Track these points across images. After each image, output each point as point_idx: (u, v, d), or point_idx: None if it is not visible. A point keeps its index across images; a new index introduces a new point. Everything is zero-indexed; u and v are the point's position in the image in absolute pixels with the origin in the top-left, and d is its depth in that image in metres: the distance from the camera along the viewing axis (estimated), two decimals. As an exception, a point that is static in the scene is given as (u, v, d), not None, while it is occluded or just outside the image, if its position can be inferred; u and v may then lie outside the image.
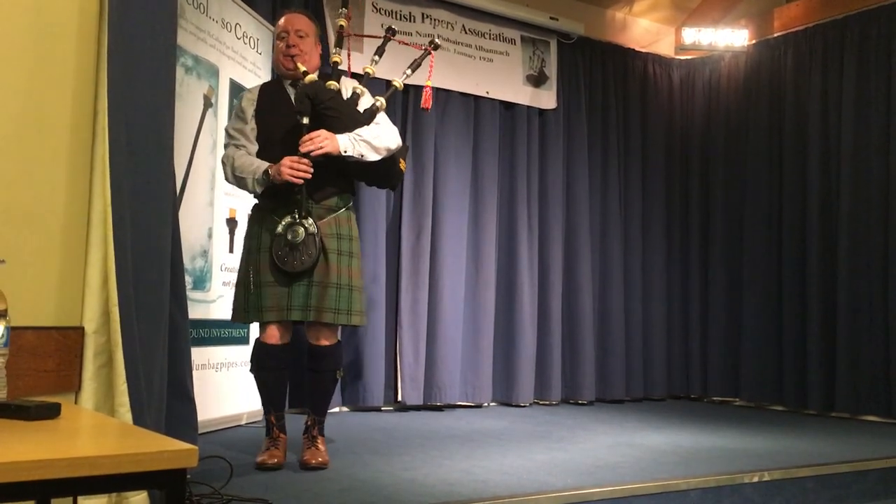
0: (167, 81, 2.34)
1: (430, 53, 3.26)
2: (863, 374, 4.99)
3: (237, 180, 3.06)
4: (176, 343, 2.39)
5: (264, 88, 3.22)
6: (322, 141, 2.94)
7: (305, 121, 2.96)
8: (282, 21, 3.19)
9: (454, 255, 5.06)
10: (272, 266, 2.95)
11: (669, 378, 5.93)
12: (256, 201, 3.14)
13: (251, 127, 3.10)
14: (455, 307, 5.03)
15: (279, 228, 2.94)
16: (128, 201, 2.09)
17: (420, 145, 4.99)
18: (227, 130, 3.19)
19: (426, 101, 3.32)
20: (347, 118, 3.03)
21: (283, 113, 3.08)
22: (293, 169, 2.91)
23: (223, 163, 3.12)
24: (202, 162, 3.72)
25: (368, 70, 3.17)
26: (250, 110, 3.12)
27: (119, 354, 2.01)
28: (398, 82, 3.19)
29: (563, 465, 3.18)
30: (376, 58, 3.20)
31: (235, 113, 3.17)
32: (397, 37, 3.34)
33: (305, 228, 2.95)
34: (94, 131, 2.10)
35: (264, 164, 2.98)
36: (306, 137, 2.93)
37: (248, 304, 3.00)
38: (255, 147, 3.08)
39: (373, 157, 3.04)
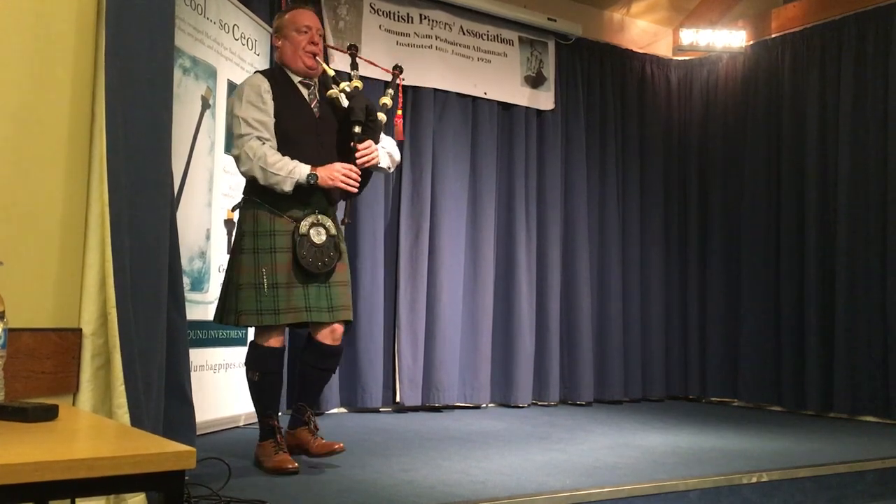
0: (165, 82, 2.34)
1: (397, 76, 3.27)
2: (861, 374, 4.99)
3: (266, 176, 2.90)
4: (174, 344, 2.39)
5: (274, 81, 3.05)
6: (374, 152, 3.04)
7: (357, 129, 3.01)
8: (298, 15, 3.11)
9: (452, 256, 5.06)
10: (294, 267, 2.92)
11: (668, 379, 5.93)
12: (248, 197, 3.02)
13: (273, 121, 2.99)
14: (453, 308, 5.02)
15: (302, 229, 2.93)
16: (126, 203, 2.09)
17: (418, 146, 4.99)
18: (244, 119, 2.94)
19: (398, 133, 3.37)
20: (380, 130, 3.14)
21: (298, 111, 3.05)
22: (347, 177, 2.96)
23: (245, 155, 2.92)
24: (200, 163, 3.72)
25: (357, 84, 3.15)
26: (270, 103, 2.98)
27: (117, 356, 2.01)
28: (388, 99, 3.25)
29: (561, 466, 3.18)
30: (356, 72, 3.20)
31: (251, 102, 2.96)
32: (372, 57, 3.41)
33: (327, 230, 2.97)
34: (91, 133, 2.10)
35: (303, 166, 2.92)
36: (364, 148, 3.01)
37: (261, 306, 2.91)
38: (275, 142, 2.97)
39: (392, 168, 3.21)
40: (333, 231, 2.99)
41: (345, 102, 3.08)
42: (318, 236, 2.94)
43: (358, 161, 2.99)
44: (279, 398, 3.13)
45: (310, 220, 2.95)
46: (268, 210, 2.97)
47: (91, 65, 2.11)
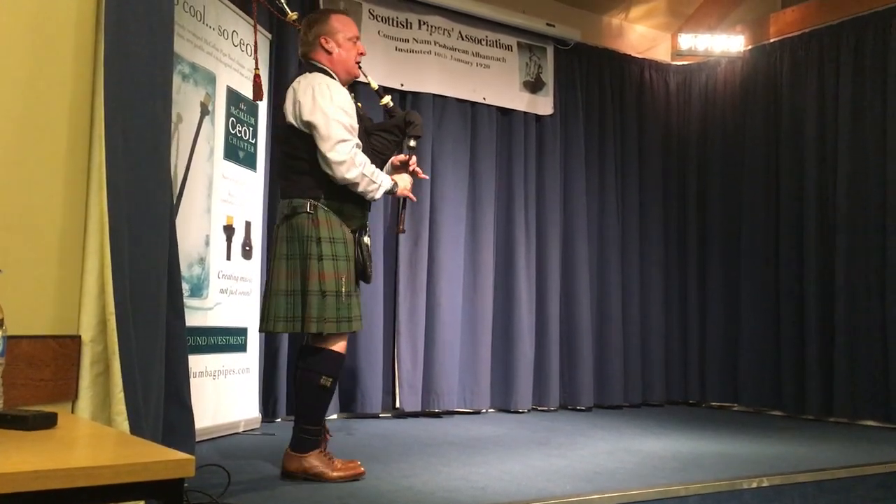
0: (164, 89, 2.34)
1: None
2: (861, 379, 4.99)
3: (365, 184, 2.91)
4: (173, 351, 2.38)
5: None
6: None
7: (413, 144, 3.13)
8: (349, 24, 3.08)
9: (452, 262, 5.05)
10: (357, 275, 2.99)
11: (668, 384, 5.93)
12: (319, 203, 2.91)
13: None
14: (453, 313, 5.02)
15: (366, 239, 3.02)
16: (125, 209, 2.09)
17: (417, 152, 4.96)
18: (343, 125, 2.88)
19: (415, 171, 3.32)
20: None
21: (358, 120, 3.04)
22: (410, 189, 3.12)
23: (352, 160, 2.87)
24: (199, 169, 3.72)
25: (372, 84, 3.22)
26: (354, 109, 2.98)
27: (116, 363, 2.01)
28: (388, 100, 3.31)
29: (561, 472, 3.18)
30: (369, 77, 3.25)
31: (342, 107, 2.90)
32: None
33: (369, 240, 3.07)
34: (90, 139, 2.10)
35: (386, 175, 3.02)
36: (415, 162, 3.16)
37: (339, 313, 2.88)
38: None
39: None
40: (369, 241, 3.08)
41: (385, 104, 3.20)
42: (369, 246, 3.04)
43: (417, 175, 3.18)
44: None
45: (366, 230, 3.05)
46: (337, 217, 2.95)
47: (90, 70, 2.11)
